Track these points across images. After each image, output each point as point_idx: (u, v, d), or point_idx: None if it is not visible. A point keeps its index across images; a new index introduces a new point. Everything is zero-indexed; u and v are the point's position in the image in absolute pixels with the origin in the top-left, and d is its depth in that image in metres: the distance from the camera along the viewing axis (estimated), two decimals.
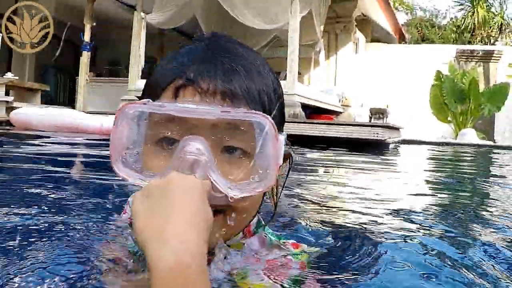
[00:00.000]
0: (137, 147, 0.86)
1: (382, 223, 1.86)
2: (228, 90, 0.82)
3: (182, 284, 0.61)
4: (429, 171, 5.65)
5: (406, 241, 1.48)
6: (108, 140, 0.84)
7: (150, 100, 0.82)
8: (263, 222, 1.03)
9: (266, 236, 1.00)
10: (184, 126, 0.82)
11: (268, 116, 0.80)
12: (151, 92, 0.89)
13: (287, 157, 0.96)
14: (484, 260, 1.26)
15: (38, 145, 5.43)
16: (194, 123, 0.81)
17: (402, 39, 18.07)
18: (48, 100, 14.12)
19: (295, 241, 1.06)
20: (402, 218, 1.99)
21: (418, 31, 26.99)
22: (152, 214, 0.68)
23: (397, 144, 10.41)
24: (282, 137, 0.83)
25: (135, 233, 0.69)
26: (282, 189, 1.04)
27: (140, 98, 0.89)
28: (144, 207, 0.70)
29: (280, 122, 0.91)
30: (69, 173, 3.33)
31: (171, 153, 0.80)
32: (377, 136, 8.23)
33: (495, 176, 5.34)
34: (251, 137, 0.81)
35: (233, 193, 0.79)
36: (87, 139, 6.64)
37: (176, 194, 0.69)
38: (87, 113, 9.26)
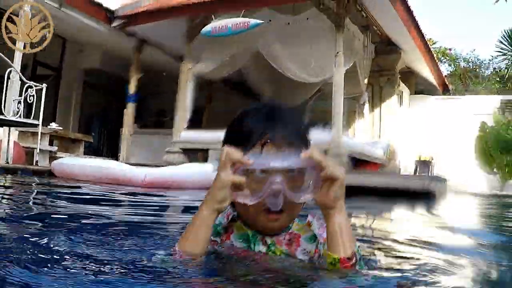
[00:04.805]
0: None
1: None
2: (290, 143, 1.34)
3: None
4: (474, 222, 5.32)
5: None
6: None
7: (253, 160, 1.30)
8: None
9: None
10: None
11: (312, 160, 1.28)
12: (240, 143, 1.33)
13: None
14: None
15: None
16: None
17: (446, 90, 17.79)
18: (91, 151, 14.26)
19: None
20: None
21: (461, 82, 26.70)
22: None
23: (443, 196, 10.12)
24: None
25: None
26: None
27: (224, 143, 1.39)
28: None
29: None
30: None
31: (261, 181, 1.28)
32: (423, 187, 8.08)
33: None
34: (304, 172, 1.32)
35: (299, 200, 1.29)
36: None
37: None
38: (130, 165, 9.15)
